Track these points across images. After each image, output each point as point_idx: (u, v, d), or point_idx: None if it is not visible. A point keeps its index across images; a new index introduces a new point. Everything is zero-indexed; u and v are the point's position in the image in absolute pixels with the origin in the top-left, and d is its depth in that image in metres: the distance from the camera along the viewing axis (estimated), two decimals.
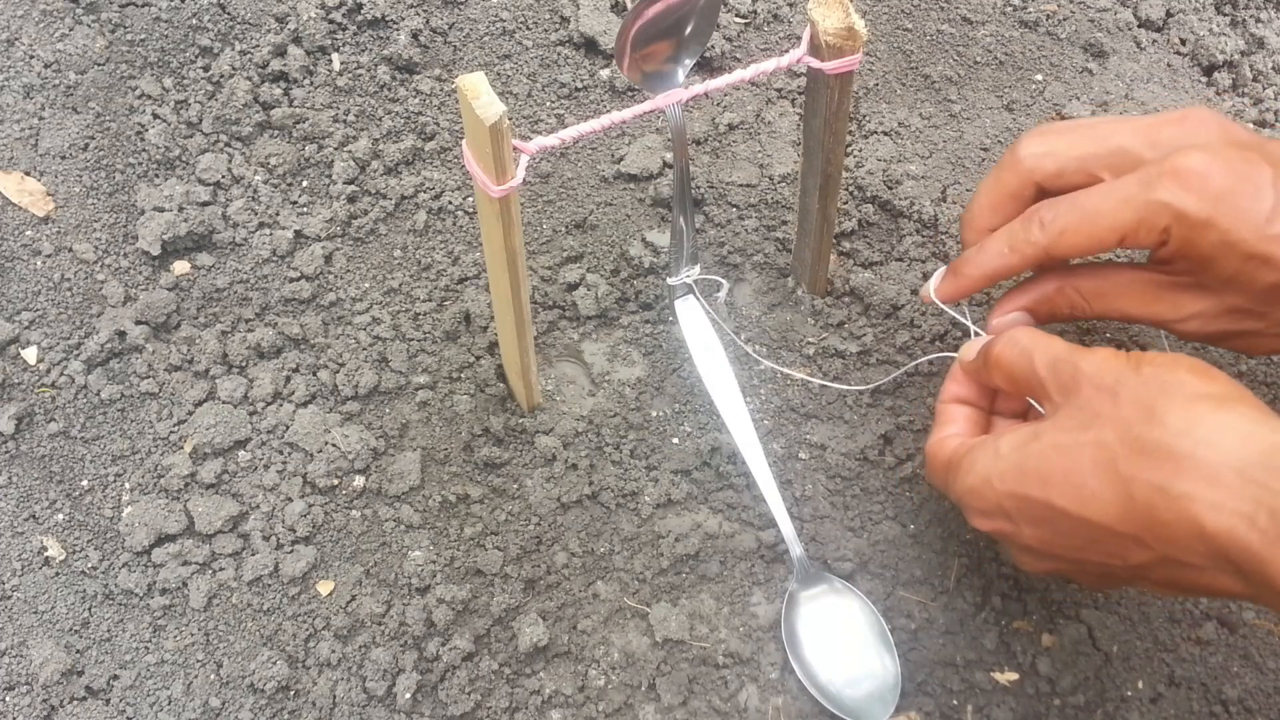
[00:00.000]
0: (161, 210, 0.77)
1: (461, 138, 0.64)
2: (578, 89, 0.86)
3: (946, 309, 0.63)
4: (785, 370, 0.73)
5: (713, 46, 0.87)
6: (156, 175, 0.80)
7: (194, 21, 0.84)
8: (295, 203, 0.80)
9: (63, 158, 0.80)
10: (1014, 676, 0.63)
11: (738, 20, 0.89)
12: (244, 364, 0.74)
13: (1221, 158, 0.54)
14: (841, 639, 0.63)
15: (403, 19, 0.86)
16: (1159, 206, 0.54)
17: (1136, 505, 0.48)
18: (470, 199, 0.81)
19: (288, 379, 0.73)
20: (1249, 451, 0.46)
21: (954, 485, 0.56)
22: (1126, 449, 0.48)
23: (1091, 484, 0.49)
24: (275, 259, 0.78)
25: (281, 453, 0.71)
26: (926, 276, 0.77)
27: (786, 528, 0.66)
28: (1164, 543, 0.48)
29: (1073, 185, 0.58)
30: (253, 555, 0.67)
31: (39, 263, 0.77)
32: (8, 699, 0.64)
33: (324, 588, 0.67)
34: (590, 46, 0.87)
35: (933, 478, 0.60)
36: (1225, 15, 0.90)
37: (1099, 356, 0.52)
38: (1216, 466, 0.46)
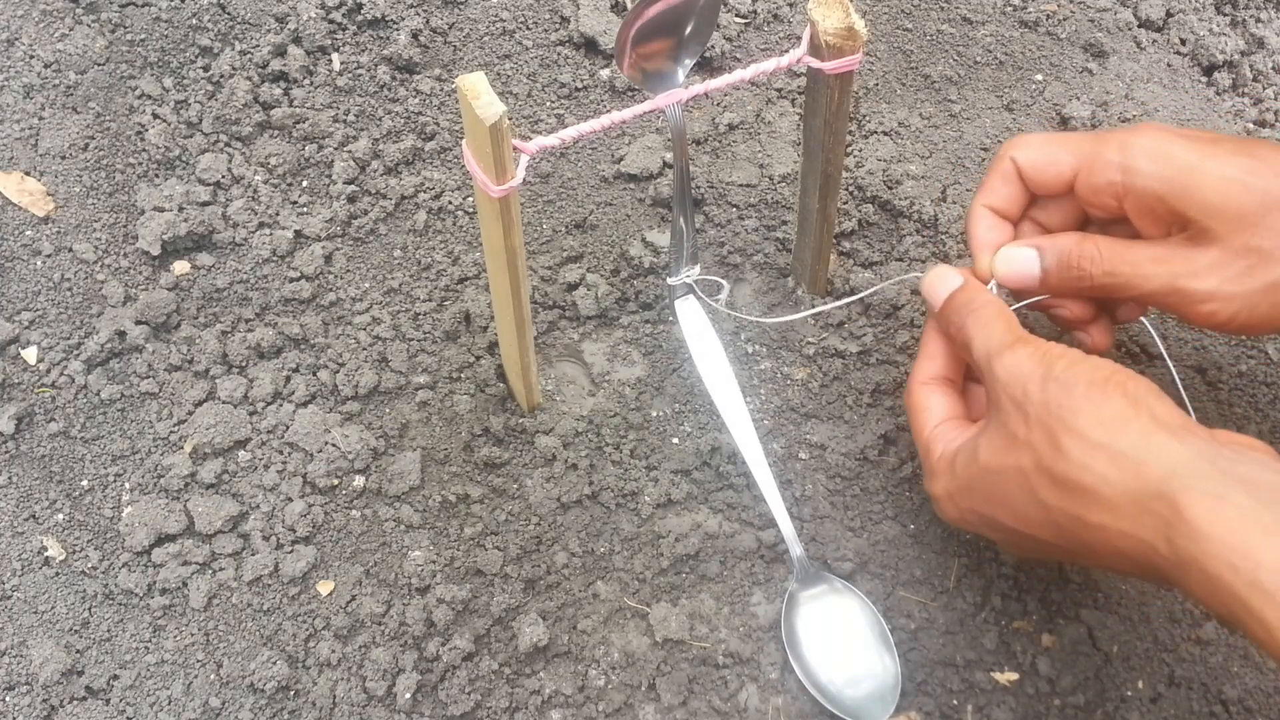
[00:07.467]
0: (161, 210, 0.77)
1: (461, 138, 0.64)
2: (578, 89, 0.86)
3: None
4: (786, 319, 0.74)
5: (713, 46, 0.87)
6: (156, 175, 0.80)
7: (194, 21, 0.84)
8: (295, 203, 0.80)
9: (63, 158, 0.80)
10: (1014, 676, 0.63)
11: (738, 20, 0.89)
12: (244, 364, 0.74)
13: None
14: (841, 639, 0.63)
15: (403, 19, 0.86)
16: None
17: (1063, 531, 0.51)
18: (470, 199, 0.81)
19: (288, 379, 0.73)
20: (1140, 484, 0.48)
21: (928, 486, 0.60)
22: (1042, 478, 0.51)
23: (1022, 508, 0.52)
24: (275, 259, 0.78)
25: (281, 453, 0.71)
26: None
27: (786, 528, 0.66)
28: (1097, 558, 0.51)
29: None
30: (253, 555, 0.67)
31: (39, 263, 0.77)
32: (8, 699, 0.64)
33: (324, 588, 0.67)
34: (590, 46, 0.87)
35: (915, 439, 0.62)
36: (1225, 15, 0.90)
37: (1011, 362, 0.53)
38: (1117, 500, 0.48)
